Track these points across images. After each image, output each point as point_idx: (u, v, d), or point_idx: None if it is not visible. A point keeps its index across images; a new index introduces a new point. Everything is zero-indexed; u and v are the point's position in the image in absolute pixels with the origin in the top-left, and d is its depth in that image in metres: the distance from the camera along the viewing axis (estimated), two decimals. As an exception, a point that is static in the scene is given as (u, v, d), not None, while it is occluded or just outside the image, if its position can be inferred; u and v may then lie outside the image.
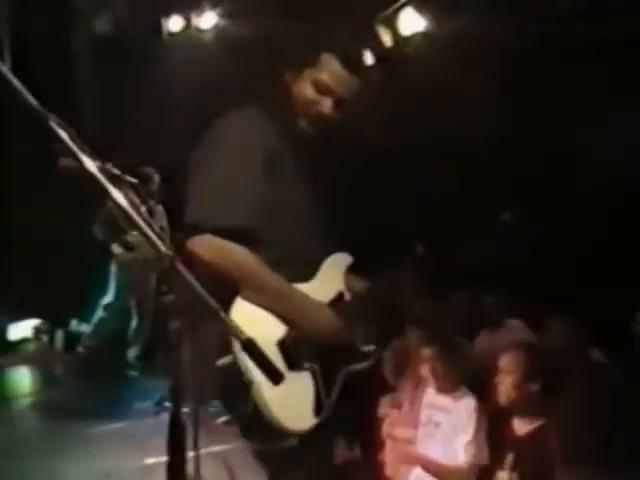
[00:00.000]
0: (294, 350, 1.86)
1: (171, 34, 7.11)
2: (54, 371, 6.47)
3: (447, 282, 4.52)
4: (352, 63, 2.03)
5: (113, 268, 5.95)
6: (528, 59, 5.44)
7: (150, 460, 3.61)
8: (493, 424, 3.16)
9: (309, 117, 2.03)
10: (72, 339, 6.54)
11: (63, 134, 1.17)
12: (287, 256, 1.93)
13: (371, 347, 2.12)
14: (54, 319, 6.69)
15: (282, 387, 1.51)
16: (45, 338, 6.70)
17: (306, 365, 1.90)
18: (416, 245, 2.14)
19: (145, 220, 1.24)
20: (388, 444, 3.55)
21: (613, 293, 4.77)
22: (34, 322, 6.70)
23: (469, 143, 5.51)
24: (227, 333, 1.38)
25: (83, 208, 5.23)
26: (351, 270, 2.17)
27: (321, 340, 1.92)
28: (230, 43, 6.84)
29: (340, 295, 2.09)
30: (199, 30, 7.04)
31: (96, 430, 4.37)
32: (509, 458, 2.81)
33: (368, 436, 3.80)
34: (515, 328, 4.61)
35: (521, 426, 2.88)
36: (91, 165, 1.20)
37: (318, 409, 1.92)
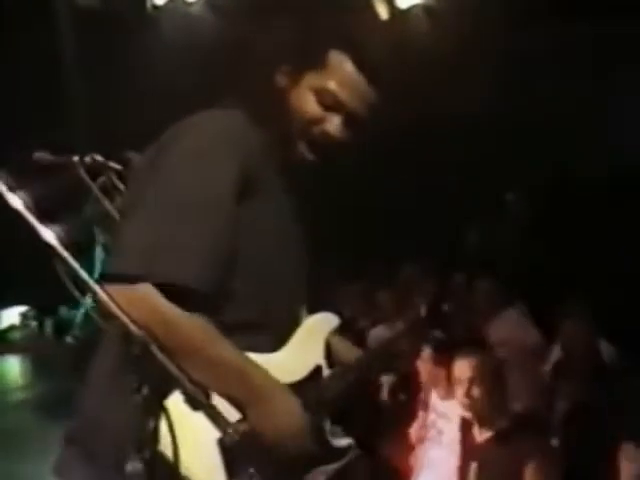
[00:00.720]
0: (241, 450, 1.29)
1: (155, 7, 6.82)
2: (44, 362, 6.34)
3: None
4: (371, 67, 1.47)
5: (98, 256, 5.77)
6: (531, 37, 5.24)
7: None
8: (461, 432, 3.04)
9: (310, 140, 1.47)
10: (62, 326, 6.41)
11: None
12: (254, 319, 1.41)
13: (347, 441, 1.58)
14: (42, 306, 6.55)
15: None
16: (33, 325, 6.56)
17: (251, 471, 1.34)
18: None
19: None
20: (418, 447, 3.44)
21: (621, 281, 4.65)
22: (21, 309, 6.55)
23: (470, 123, 5.34)
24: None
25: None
26: (338, 331, 1.63)
27: (278, 440, 1.38)
28: (219, 15, 6.57)
29: (317, 370, 1.54)
30: (185, 2, 6.76)
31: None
32: (472, 467, 2.75)
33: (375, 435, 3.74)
34: (510, 319, 4.46)
35: (481, 433, 2.81)
36: (18, 204, 1.04)
37: None
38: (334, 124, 1.48)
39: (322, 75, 1.47)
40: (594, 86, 5.23)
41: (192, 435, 1.24)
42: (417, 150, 5.60)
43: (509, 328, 4.19)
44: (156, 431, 1.05)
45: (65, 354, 6.08)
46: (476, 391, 2.74)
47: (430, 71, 5.34)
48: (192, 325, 1.33)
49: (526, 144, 5.36)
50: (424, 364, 3.35)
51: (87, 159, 2.57)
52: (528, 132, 5.35)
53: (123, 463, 1.06)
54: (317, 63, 1.47)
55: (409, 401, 3.75)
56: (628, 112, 5.21)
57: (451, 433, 3.13)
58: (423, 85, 5.18)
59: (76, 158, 2.43)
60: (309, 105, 1.47)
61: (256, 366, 1.40)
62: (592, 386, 3.25)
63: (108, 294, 1.06)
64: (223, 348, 1.36)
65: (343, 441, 1.59)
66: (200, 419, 1.13)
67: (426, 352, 3.38)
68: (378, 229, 5.80)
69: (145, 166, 1.45)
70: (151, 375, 1.03)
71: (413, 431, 3.51)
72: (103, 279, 1.26)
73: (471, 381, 2.75)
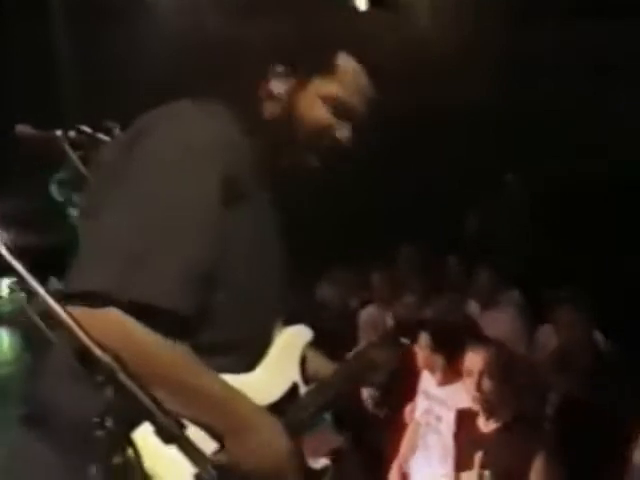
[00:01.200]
0: None
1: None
2: (33, 333, 6.26)
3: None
4: (379, 70, 1.38)
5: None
6: (533, 19, 5.15)
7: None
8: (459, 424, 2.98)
9: (320, 148, 1.37)
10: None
11: None
12: (230, 338, 1.28)
13: (324, 462, 1.52)
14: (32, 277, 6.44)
15: None
16: (22, 296, 6.46)
17: None
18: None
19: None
20: (410, 428, 3.41)
21: (618, 272, 4.58)
22: (9, 280, 6.44)
23: (471, 107, 5.25)
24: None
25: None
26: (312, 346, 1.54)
27: (261, 470, 1.27)
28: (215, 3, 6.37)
29: (293, 387, 1.45)
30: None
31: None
32: (477, 456, 2.69)
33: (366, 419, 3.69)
34: (505, 311, 4.41)
35: (487, 424, 2.78)
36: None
37: None
38: (345, 132, 1.38)
39: (331, 81, 1.36)
40: (595, 79, 5.16)
41: (165, 470, 1.13)
42: (416, 135, 5.51)
43: (500, 328, 4.12)
44: (123, 468, 0.93)
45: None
46: (486, 384, 2.70)
47: (432, 58, 5.23)
48: (170, 352, 1.19)
49: (526, 129, 5.29)
50: (421, 350, 3.28)
51: (71, 133, 2.44)
52: (527, 118, 5.29)
53: (84, 444, 0.95)
54: (325, 68, 1.36)
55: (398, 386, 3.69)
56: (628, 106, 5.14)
57: (450, 420, 3.07)
58: (425, 73, 5.07)
59: (59, 132, 2.31)
60: (319, 113, 1.36)
61: (238, 393, 1.28)
62: (588, 379, 3.22)
63: (69, 314, 0.93)
64: (203, 376, 1.23)
65: (320, 462, 1.50)
66: (173, 452, 0.99)
67: (423, 338, 3.31)
68: (376, 212, 5.72)
69: (115, 158, 1.28)
70: (117, 405, 0.91)
71: (407, 411, 3.47)
72: (66, 299, 1.09)
73: (481, 374, 2.72)
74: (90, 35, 6.08)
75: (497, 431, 2.73)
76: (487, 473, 2.62)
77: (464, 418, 2.90)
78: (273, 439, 1.28)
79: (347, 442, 3.64)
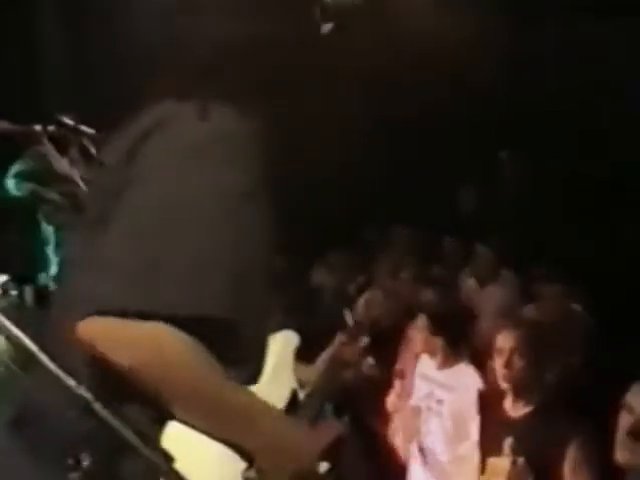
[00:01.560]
0: None
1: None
2: (27, 331, 6.16)
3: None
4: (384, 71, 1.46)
5: (48, 229, 5.37)
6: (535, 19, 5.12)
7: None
8: (484, 407, 2.95)
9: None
10: (42, 294, 6.22)
11: None
12: (238, 349, 1.17)
13: (326, 465, 1.47)
14: (21, 274, 6.35)
15: None
16: (14, 294, 6.36)
17: None
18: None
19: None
20: (396, 417, 3.37)
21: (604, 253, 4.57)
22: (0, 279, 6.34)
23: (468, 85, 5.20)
24: None
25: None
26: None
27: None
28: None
29: (294, 395, 1.47)
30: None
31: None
32: (507, 442, 2.63)
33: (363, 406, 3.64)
34: (499, 291, 4.40)
35: (516, 408, 2.73)
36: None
37: None
38: None
39: None
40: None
41: None
42: (412, 115, 5.46)
43: (492, 307, 4.09)
44: None
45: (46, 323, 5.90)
46: (517, 362, 2.67)
47: (433, 57, 5.17)
48: (200, 367, 1.06)
49: (527, 128, 5.27)
50: (420, 333, 3.24)
51: (50, 127, 2.38)
52: (528, 115, 5.25)
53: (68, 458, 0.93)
54: None
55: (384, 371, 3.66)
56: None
57: (454, 403, 3.05)
58: (427, 72, 5.02)
59: (39, 127, 2.25)
60: None
61: (269, 407, 1.19)
62: (575, 356, 3.21)
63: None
64: (233, 392, 1.12)
65: (323, 466, 1.43)
66: (205, 463, 0.97)
67: (421, 320, 3.27)
68: (371, 194, 5.68)
69: (116, 164, 1.17)
70: (95, 440, 0.86)
71: (390, 401, 3.44)
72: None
73: (512, 351, 2.68)
74: (77, 25, 5.97)
75: (529, 416, 2.68)
76: (521, 460, 2.55)
77: (488, 400, 2.86)
78: (308, 452, 1.23)
79: (347, 427, 3.60)
